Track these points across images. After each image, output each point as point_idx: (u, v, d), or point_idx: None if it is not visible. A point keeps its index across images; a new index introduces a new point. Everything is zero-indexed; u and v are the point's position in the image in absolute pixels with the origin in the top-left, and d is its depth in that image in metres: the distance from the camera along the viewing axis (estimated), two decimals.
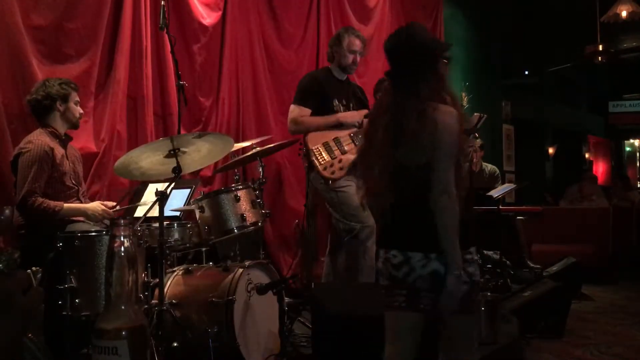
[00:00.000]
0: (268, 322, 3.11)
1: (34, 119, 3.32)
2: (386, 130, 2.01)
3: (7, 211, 2.65)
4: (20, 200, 3.01)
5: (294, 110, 3.88)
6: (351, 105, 3.98)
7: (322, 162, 3.79)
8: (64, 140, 3.30)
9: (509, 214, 5.59)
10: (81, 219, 3.20)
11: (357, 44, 3.94)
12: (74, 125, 3.37)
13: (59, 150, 3.19)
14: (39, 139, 3.13)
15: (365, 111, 3.85)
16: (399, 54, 2.08)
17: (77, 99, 3.35)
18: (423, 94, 1.99)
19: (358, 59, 3.99)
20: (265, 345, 3.08)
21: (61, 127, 3.29)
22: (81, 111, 3.39)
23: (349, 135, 3.86)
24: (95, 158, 3.92)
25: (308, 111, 3.87)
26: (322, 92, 3.88)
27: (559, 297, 4.01)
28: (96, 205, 3.20)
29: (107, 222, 3.13)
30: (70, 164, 3.30)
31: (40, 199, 3.02)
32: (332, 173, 3.76)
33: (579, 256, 4.88)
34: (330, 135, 3.84)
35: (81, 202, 3.31)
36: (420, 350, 2.05)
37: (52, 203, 3.06)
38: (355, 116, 3.86)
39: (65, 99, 3.26)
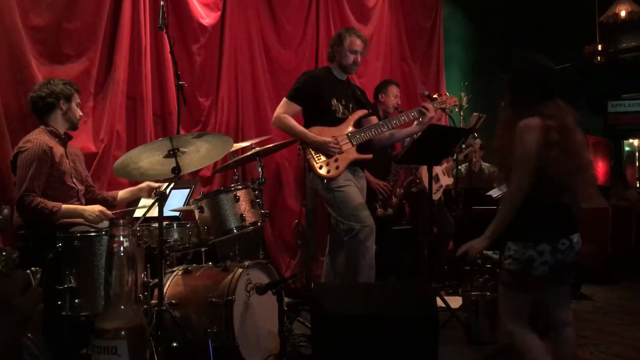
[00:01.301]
0: (267, 322, 3.11)
1: (34, 119, 3.32)
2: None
3: (5, 210, 2.64)
4: (19, 198, 3.01)
5: (282, 106, 3.89)
6: (350, 105, 3.98)
7: (319, 161, 3.79)
8: (64, 139, 3.30)
9: None
10: (80, 220, 3.20)
11: (358, 44, 3.94)
12: (74, 126, 3.37)
13: (58, 149, 3.19)
14: (38, 137, 3.13)
15: (334, 144, 3.80)
16: (554, 78, 2.58)
17: (79, 100, 3.37)
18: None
19: (359, 59, 3.99)
20: (264, 345, 3.08)
21: (61, 127, 3.29)
22: (81, 113, 3.39)
23: (347, 135, 3.86)
24: (95, 158, 3.92)
25: (297, 108, 3.88)
26: (319, 92, 3.87)
27: None
28: (94, 207, 3.20)
29: (103, 224, 3.14)
30: (71, 163, 3.29)
31: (38, 199, 3.01)
32: (328, 172, 3.76)
33: (578, 256, 4.87)
34: (327, 134, 3.84)
35: (81, 203, 3.31)
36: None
37: (50, 203, 3.05)
38: (326, 144, 3.76)
39: (68, 98, 3.27)
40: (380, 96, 5.03)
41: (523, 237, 2.49)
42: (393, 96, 4.99)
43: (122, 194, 3.53)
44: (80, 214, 3.16)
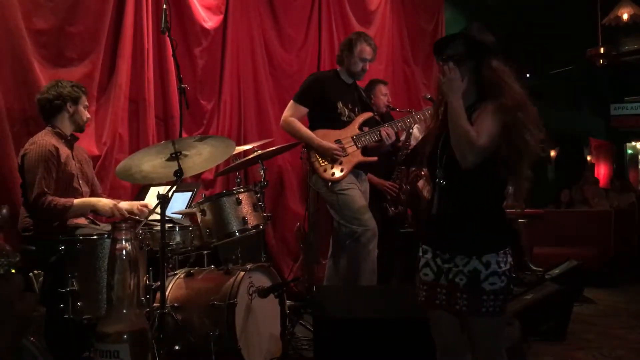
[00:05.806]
0: (269, 325, 3.11)
1: (37, 122, 3.33)
2: None
3: (4, 210, 2.65)
4: (33, 202, 3.01)
5: (290, 108, 3.91)
6: (356, 109, 3.98)
7: (323, 164, 3.80)
8: (70, 141, 3.30)
9: (511, 217, 5.58)
10: (84, 222, 3.20)
11: (368, 51, 3.94)
12: (80, 129, 3.37)
13: (64, 151, 3.19)
14: (43, 139, 3.13)
15: (339, 151, 3.79)
16: None
17: (86, 103, 3.37)
18: None
19: (367, 66, 4.00)
20: (266, 348, 3.08)
21: (67, 129, 3.29)
22: (88, 115, 3.40)
23: (352, 137, 3.86)
24: (97, 161, 3.92)
25: (304, 110, 3.89)
26: (325, 94, 3.88)
27: (561, 300, 4.00)
28: (108, 200, 3.20)
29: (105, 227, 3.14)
30: (77, 164, 3.29)
31: (50, 197, 3.02)
32: (333, 174, 3.77)
33: (581, 259, 4.87)
34: (332, 137, 3.84)
35: None
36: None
37: (62, 200, 3.06)
38: (331, 150, 3.78)
39: (75, 101, 3.27)
40: (370, 98, 5.00)
41: (507, 243, 2.03)
42: (382, 95, 4.93)
43: (122, 204, 3.49)
44: (92, 206, 3.18)
